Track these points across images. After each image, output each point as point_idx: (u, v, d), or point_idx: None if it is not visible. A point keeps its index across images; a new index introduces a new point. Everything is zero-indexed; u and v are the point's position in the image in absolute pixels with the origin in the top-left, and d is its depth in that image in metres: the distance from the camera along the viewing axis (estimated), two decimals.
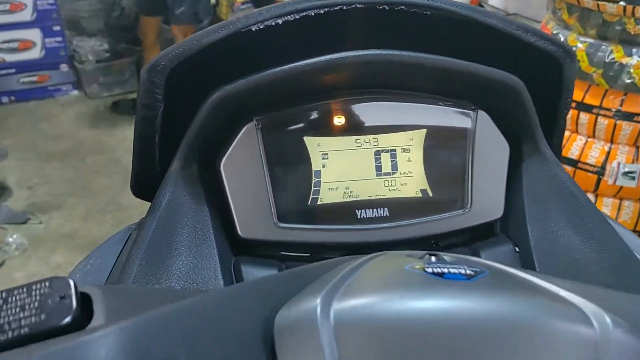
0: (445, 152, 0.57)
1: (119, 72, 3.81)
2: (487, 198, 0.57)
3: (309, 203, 0.55)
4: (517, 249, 0.57)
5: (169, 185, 0.54)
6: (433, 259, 0.38)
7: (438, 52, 0.53)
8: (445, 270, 0.35)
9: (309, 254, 0.56)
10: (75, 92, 3.86)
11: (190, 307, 0.30)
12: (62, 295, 0.28)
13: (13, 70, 3.64)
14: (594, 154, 2.02)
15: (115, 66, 3.81)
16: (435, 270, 0.34)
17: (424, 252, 0.39)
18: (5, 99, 3.67)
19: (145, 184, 0.60)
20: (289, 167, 0.54)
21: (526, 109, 0.56)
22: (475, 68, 0.54)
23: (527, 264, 0.55)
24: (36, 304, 0.28)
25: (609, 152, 2.01)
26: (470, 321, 0.29)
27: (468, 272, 0.35)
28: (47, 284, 0.29)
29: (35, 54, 3.69)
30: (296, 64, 0.51)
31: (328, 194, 0.55)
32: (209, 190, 0.55)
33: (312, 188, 0.54)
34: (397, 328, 0.29)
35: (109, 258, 0.57)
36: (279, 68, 0.51)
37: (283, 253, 0.56)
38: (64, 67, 3.78)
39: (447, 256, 0.40)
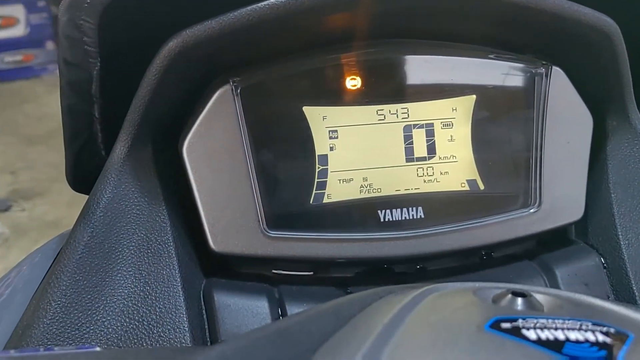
0: (504, 128, 0.45)
1: None
2: (562, 192, 0.45)
3: (310, 202, 0.43)
4: (603, 261, 0.45)
5: (110, 179, 0.41)
6: (520, 302, 0.26)
7: None
8: (561, 337, 0.22)
9: (311, 273, 0.44)
10: None
11: None
12: None
13: None
14: None
15: None
16: (542, 335, 0.22)
17: (501, 286, 0.27)
18: None
19: (86, 173, 0.47)
20: (281, 149, 0.43)
21: (619, 66, 0.45)
22: (553, 3, 0.40)
23: (619, 285, 0.44)
24: None
25: None
26: None
27: (600, 338, 0.22)
28: None
29: (19, 31, 3.61)
30: None
31: (338, 188, 0.43)
32: (167, 184, 0.42)
33: (316, 180, 0.43)
34: None
35: (33, 280, 0.43)
36: (265, 2, 0.37)
37: (275, 272, 0.44)
38: (50, 44, 3.71)
39: (538, 294, 0.27)
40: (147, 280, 0.38)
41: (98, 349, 0.30)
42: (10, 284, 0.47)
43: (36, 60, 3.65)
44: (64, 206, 2.50)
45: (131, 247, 0.39)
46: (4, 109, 3.36)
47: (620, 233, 0.44)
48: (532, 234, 0.45)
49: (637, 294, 0.41)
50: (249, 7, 0.37)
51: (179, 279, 0.39)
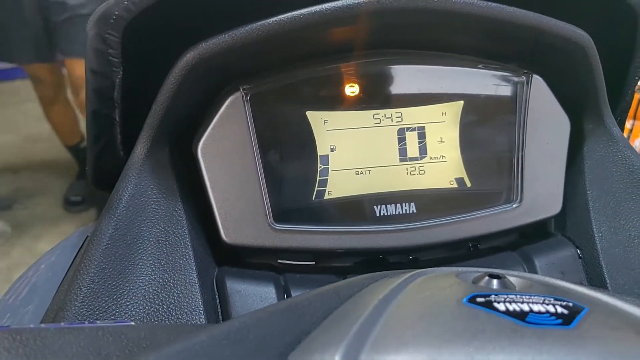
0: (488, 130, 0.46)
1: None
2: (542, 189, 0.47)
3: (313, 198, 0.45)
4: (579, 252, 0.47)
5: (131, 177, 0.43)
6: (495, 283, 0.28)
7: None
8: (526, 308, 0.25)
9: (313, 263, 0.46)
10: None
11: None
12: None
13: None
14: None
15: None
16: (510, 307, 0.25)
17: (480, 270, 0.30)
18: None
19: (106, 172, 0.49)
20: (287, 150, 0.44)
21: (593, 74, 0.46)
22: (533, 19, 0.42)
23: (593, 273, 0.46)
24: None
25: None
26: None
27: (560, 309, 0.25)
28: None
29: None
30: (295, 12, 0.39)
31: (338, 185, 0.45)
32: (183, 182, 0.44)
33: (318, 178, 0.45)
34: None
35: (59, 269, 0.46)
36: (273, 18, 0.39)
37: (281, 262, 0.46)
38: None
39: (512, 277, 0.30)
40: (165, 268, 0.40)
41: (132, 323, 0.33)
42: (37, 270, 0.50)
43: None
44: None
45: (151, 239, 0.41)
46: (5, 108, 3.31)
47: (594, 227, 0.45)
48: (515, 227, 0.46)
49: (608, 280, 0.43)
50: (258, 23, 0.39)
51: (194, 267, 0.41)
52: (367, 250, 0.44)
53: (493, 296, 0.26)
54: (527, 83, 0.46)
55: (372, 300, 0.26)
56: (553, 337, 0.22)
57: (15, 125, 3.11)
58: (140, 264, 0.40)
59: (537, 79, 0.46)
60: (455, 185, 0.46)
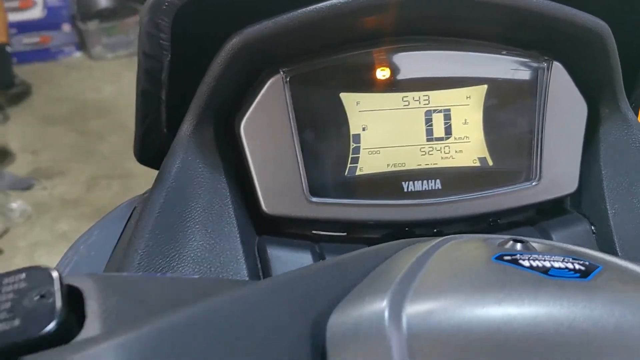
0: (510, 113, 0.49)
1: (123, 33, 3.68)
2: (559, 168, 0.49)
3: (346, 173, 0.47)
4: (593, 228, 0.49)
5: (179, 152, 0.46)
6: (519, 246, 0.31)
7: None
8: (548, 265, 0.27)
9: (345, 234, 0.49)
10: (79, 54, 3.75)
11: (216, 311, 0.23)
12: (42, 293, 0.21)
13: (15, 31, 3.49)
14: None
15: (120, 26, 3.68)
16: (534, 263, 0.27)
17: (505, 237, 0.32)
18: None
19: (151, 149, 0.53)
20: (322, 129, 0.47)
21: (610, 62, 0.48)
22: (554, 8, 0.44)
23: (606, 248, 0.48)
24: (7, 304, 0.21)
25: None
26: (608, 339, 0.22)
27: (577, 266, 0.28)
28: (22, 276, 0.22)
29: (36, 13, 3.55)
30: (333, 1, 0.42)
31: (369, 162, 0.48)
32: (226, 158, 0.47)
33: (350, 155, 0.47)
34: (502, 346, 0.22)
35: (110, 237, 0.49)
36: (313, 7, 0.42)
37: (315, 232, 0.48)
38: (66, 27, 3.65)
39: (535, 243, 0.32)
40: (212, 235, 0.43)
41: (197, 277, 0.36)
42: (89, 237, 0.53)
43: (53, 43, 3.59)
44: (84, 186, 2.50)
45: (198, 208, 0.44)
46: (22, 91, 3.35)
47: (608, 204, 0.48)
48: (533, 203, 0.48)
49: (620, 254, 0.46)
50: (299, 10, 0.42)
51: (237, 235, 0.44)
52: (395, 223, 0.47)
53: (518, 255, 0.29)
54: (548, 69, 0.48)
55: (409, 259, 0.29)
56: (572, 287, 0.25)
57: (33, 108, 3.14)
58: (189, 231, 0.43)
59: (557, 65, 0.48)
60: (478, 164, 0.48)
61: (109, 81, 3.45)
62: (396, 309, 0.23)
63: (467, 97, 0.48)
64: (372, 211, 0.47)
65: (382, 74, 0.47)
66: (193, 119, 0.46)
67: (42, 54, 3.61)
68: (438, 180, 0.48)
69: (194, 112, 0.46)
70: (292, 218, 0.46)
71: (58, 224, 2.33)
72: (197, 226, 0.43)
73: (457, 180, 0.48)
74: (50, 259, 2.23)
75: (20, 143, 2.82)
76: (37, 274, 0.22)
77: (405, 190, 0.47)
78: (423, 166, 0.48)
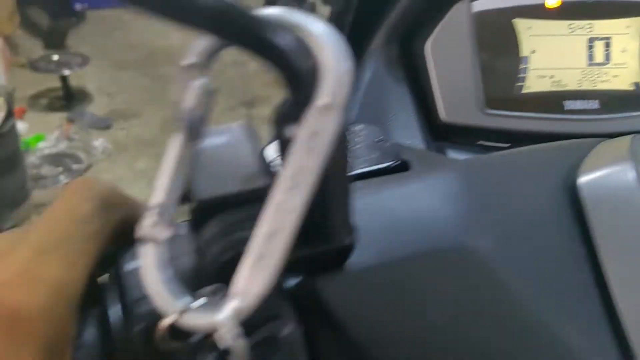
0: None
1: None
2: None
3: (516, 90, 0.53)
4: None
5: (370, 63, 0.52)
6: None
7: None
8: None
9: (509, 144, 0.54)
10: None
11: (510, 155, 0.32)
12: (378, 139, 0.29)
13: None
14: None
15: None
16: None
17: None
18: (78, 6, 3.68)
19: None
20: (497, 51, 0.53)
21: None
22: None
23: None
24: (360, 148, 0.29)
25: None
26: None
27: None
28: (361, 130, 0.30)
29: None
30: None
31: (535, 82, 0.54)
32: (408, 73, 0.54)
33: (519, 75, 0.53)
34: None
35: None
36: None
37: (481, 142, 0.55)
38: None
39: None
40: (395, 137, 0.49)
41: None
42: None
43: None
44: (158, 127, 2.61)
45: (388, 114, 0.51)
46: (94, 36, 3.42)
47: None
48: None
49: None
50: None
51: (420, 137, 0.51)
52: (555, 134, 0.53)
53: None
54: None
55: (624, 141, 0.33)
56: None
57: (105, 53, 3.22)
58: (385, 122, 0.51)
59: None
60: (633, 89, 0.53)
61: (175, 28, 3.52)
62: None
63: (627, 27, 0.52)
64: (537, 123, 0.53)
65: (553, 2, 0.52)
66: (383, 35, 0.53)
67: (112, 1, 3.71)
68: (596, 101, 0.53)
69: (385, 30, 0.53)
70: (466, 127, 0.53)
71: (137, 162, 2.45)
72: (390, 122, 0.51)
73: (613, 101, 0.53)
74: (131, 194, 2.37)
75: (97, 85, 2.93)
76: (371, 128, 0.30)
77: (566, 108, 0.53)
78: (583, 87, 0.53)
